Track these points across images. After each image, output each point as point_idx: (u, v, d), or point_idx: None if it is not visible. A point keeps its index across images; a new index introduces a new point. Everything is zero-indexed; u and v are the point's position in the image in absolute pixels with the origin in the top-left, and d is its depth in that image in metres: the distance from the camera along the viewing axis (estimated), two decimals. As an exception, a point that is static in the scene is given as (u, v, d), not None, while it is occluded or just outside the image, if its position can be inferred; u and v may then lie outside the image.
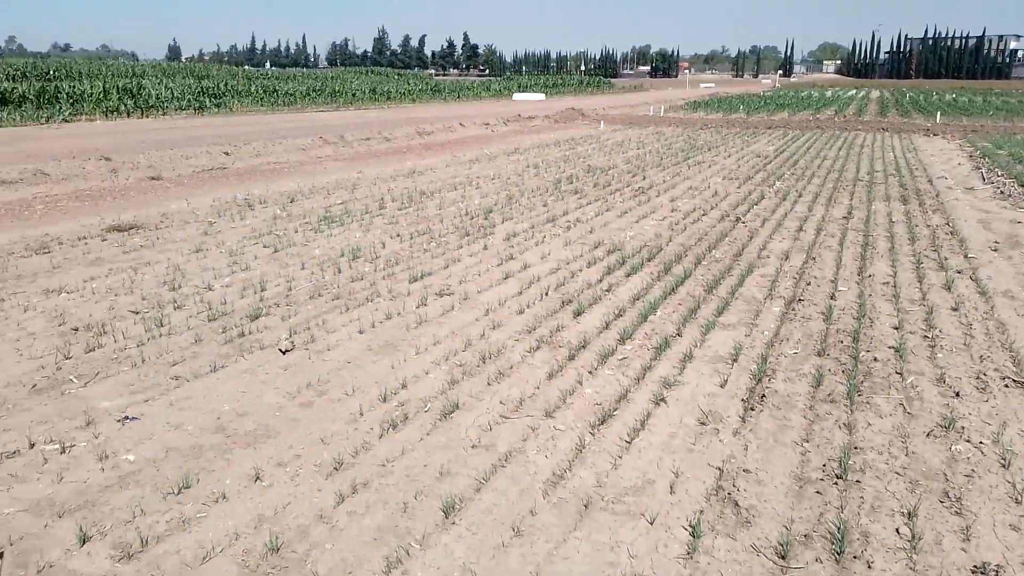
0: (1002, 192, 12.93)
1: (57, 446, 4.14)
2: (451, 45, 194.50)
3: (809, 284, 7.35)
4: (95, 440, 4.24)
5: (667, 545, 3.32)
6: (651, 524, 3.47)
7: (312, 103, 40.20)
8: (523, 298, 6.91)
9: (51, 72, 42.74)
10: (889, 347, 5.66)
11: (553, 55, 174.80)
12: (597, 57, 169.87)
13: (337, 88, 46.22)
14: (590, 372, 5.20)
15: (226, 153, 16.72)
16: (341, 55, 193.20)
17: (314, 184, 13.75)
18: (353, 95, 44.64)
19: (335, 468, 3.96)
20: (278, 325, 6.19)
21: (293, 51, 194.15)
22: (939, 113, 31.87)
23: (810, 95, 55.84)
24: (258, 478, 3.85)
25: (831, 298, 6.92)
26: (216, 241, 9.09)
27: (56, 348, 5.62)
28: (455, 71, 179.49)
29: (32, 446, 4.14)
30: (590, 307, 6.60)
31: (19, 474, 3.86)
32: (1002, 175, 14.78)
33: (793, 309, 6.58)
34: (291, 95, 40.54)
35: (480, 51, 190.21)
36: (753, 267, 7.90)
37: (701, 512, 3.55)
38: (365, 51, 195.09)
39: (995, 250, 8.74)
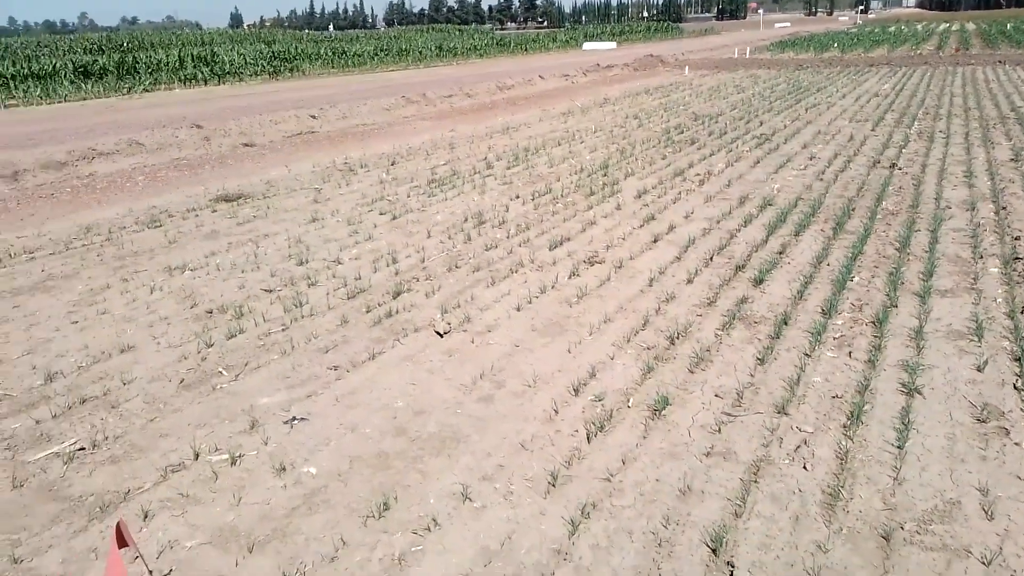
0: None
1: (225, 456, 3.60)
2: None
3: (1018, 239, 6.31)
4: (265, 447, 3.68)
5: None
6: (987, 567, 2.70)
7: (381, 63, 39.53)
8: (685, 264, 6.11)
9: (124, 44, 43.16)
10: None
11: (614, 2, 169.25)
12: (660, 2, 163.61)
13: (403, 47, 45.36)
14: (807, 355, 4.40)
15: (313, 117, 16.21)
16: (398, 15, 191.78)
17: (410, 145, 13.10)
18: (420, 53, 43.73)
19: (551, 483, 3.30)
20: (424, 303, 5.57)
21: (351, 13, 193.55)
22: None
23: (900, 30, 52.20)
24: (467, 497, 3.22)
25: (1053, 255, 5.89)
26: (329, 209, 8.53)
27: (194, 334, 5.13)
28: (513, 24, 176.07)
29: (197, 456, 3.61)
30: (769, 273, 5.75)
31: (191, 493, 3.33)
32: None
33: (1015, 269, 5.59)
34: (360, 56, 39.93)
35: (538, 3, 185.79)
36: (940, 220, 6.88)
37: (1052, 549, 2.75)
38: (422, 9, 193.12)
39: None
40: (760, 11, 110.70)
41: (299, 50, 39.00)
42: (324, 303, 5.63)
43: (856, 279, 5.58)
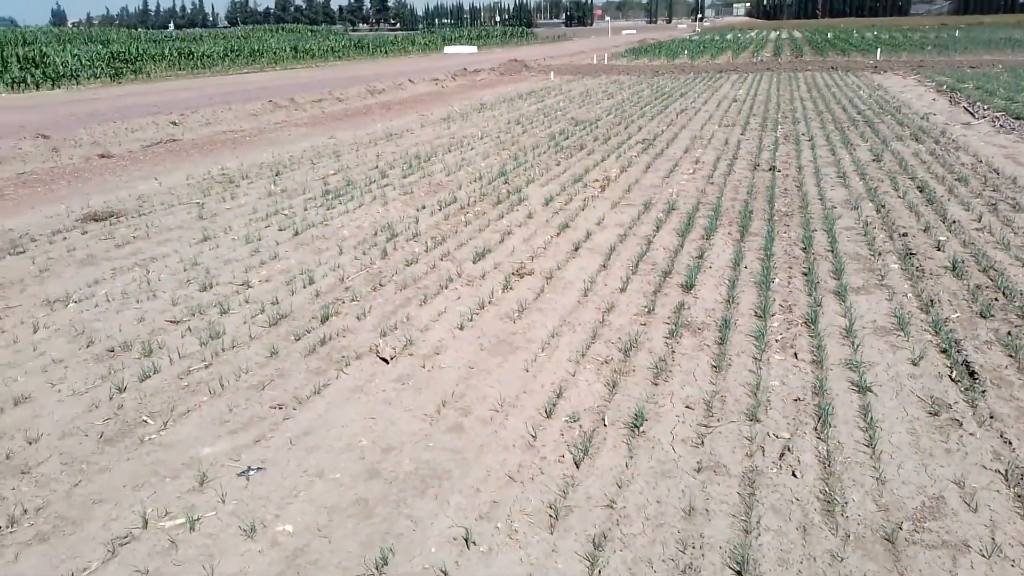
0: (1002, 126, 12.82)
1: (181, 520, 3.18)
2: (359, 0, 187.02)
3: (905, 235, 6.84)
4: (224, 506, 3.29)
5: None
6: (987, 559, 2.84)
7: (233, 65, 37.57)
8: (614, 272, 6.14)
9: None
10: (1054, 304, 5.18)
11: (466, 6, 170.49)
12: (511, 7, 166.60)
13: (256, 48, 43.36)
14: (757, 359, 4.52)
15: (174, 123, 15.07)
16: (242, 13, 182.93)
17: (290, 153, 12.45)
18: (275, 54, 41.98)
19: (552, 516, 3.16)
20: (357, 326, 5.24)
21: (190, 11, 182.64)
22: (879, 50, 32.20)
23: (737, 37, 56.03)
24: (470, 541, 3.01)
25: (938, 249, 6.42)
26: (220, 226, 7.90)
27: (100, 377, 4.54)
28: (365, 26, 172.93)
29: (146, 524, 3.17)
30: (696, 278, 5.88)
31: (151, 569, 2.90)
32: (988, 109, 14.72)
33: (912, 264, 6.04)
34: (209, 57, 37.74)
35: (390, 4, 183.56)
36: (832, 220, 7.34)
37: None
38: (268, 8, 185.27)
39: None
40: (607, 19, 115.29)
41: (140, 50, 36.27)
42: (244, 333, 5.17)
43: (776, 280, 5.82)
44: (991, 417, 3.80)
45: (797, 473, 3.40)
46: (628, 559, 2.90)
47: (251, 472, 3.55)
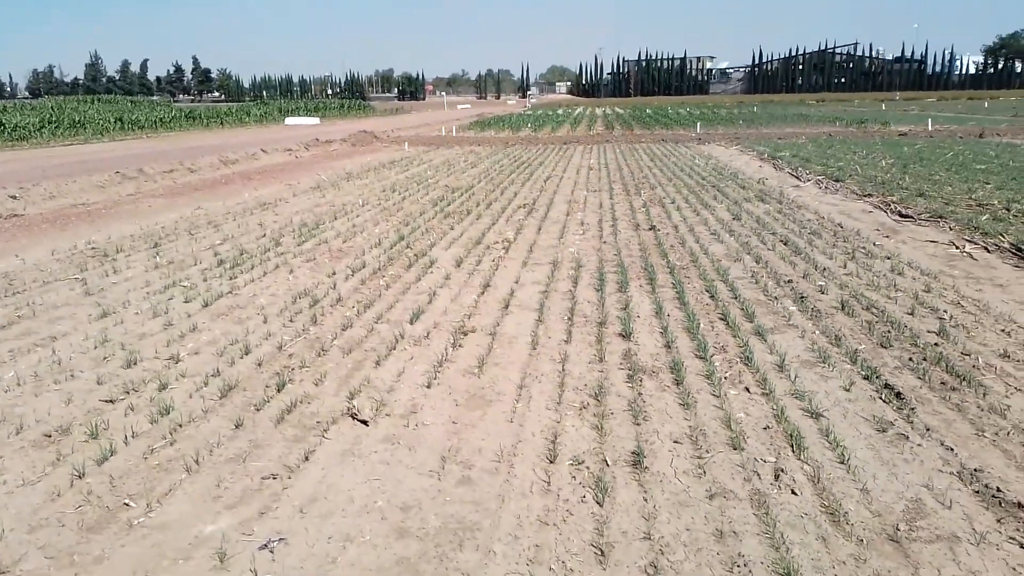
0: (826, 188, 14.70)
1: (220, 601, 2.98)
2: (179, 69, 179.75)
3: (790, 282, 7.68)
4: (261, 581, 3.12)
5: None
6: (977, 547, 3.30)
7: (53, 136, 34.80)
8: (552, 326, 6.42)
9: None
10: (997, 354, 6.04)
11: (295, 79, 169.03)
12: (343, 81, 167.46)
13: (77, 119, 40.51)
14: (716, 395, 4.92)
15: (13, 197, 13.78)
16: (46, 83, 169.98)
17: (160, 224, 11.79)
18: (99, 125, 39.43)
19: (599, 553, 3.29)
20: (317, 392, 5.12)
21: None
22: (698, 124, 35.72)
23: (568, 112, 59.86)
24: (535, 584, 3.06)
25: (822, 292, 7.28)
26: (115, 301, 7.36)
27: (49, 464, 4.12)
28: (186, 97, 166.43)
29: (180, 609, 2.94)
30: (630, 326, 6.28)
31: (210, 652, 2.70)
32: (810, 173, 16.80)
33: (808, 306, 6.81)
34: (24, 128, 34.75)
35: (213, 75, 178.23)
36: (723, 271, 8.10)
37: None
38: (76, 78, 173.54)
39: (888, 236, 9.84)
40: (443, 93, 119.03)
41: (-60, 121, 32.75)
42: (196, 407, 4.88)
43: (701, 325, 6.34)
44: (927, 429, 4.40)
45: (796, 491, 3.76)
46: (686, 581, 3.08)
47: (273, 544, 3.37)
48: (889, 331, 6.08)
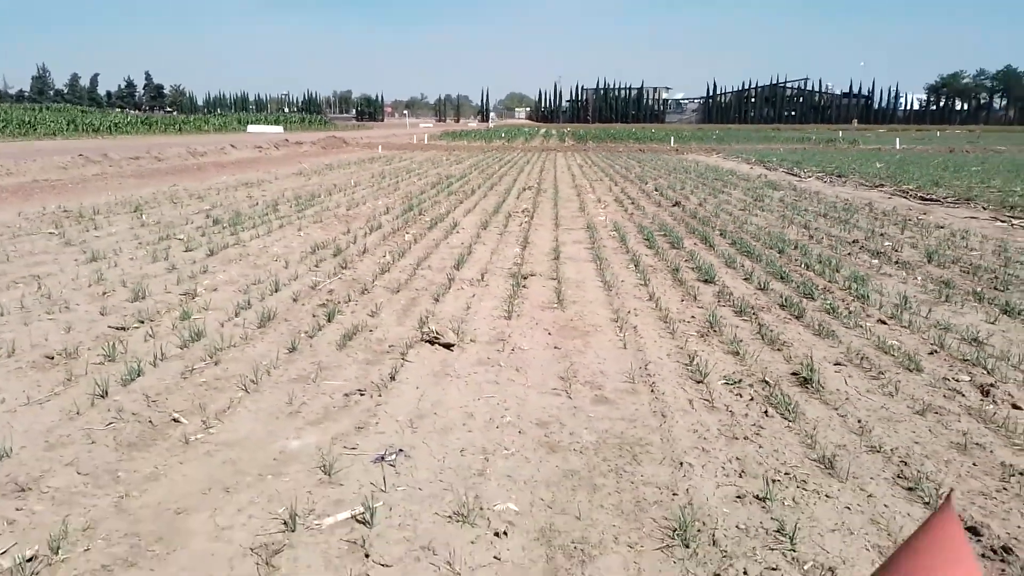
0: (830, 181, 14.38)
1: (346, 515, 2.12)
2: (131, 84, 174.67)
3: (856, 242, 7.11)
4: (394, 495, 2.27)
5: None
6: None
7: (3, 133, 32.95)
8: (619, 274, 5.73)
9: None
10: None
11: (251, 97, 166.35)
12: (300, 100, 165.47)
13: (27, 119, 38.61)
14: (850, 327, 4.24)
15: (-35, 169, 12.51)
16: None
17: (136, 196, 10.71)
18: (50, 126, 37.61)
19: (829, 468, 2.52)
20: (378, 323, 4.28)
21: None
22: (672, 138, 35.72)
23: (535, 131, 59.76)
24: (759, 497, 2.28)
25: (895, 250, 6.72)
26: (104, 248, 6.37)
27: (60, 384, 3.19)
28: (137, 112, 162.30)
29: (294, 527, 2.07)
30: (713, 274, 5.58)
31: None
32: (808, 173, 16.52)
33: (892, 259, 6.22)
34: (-31, 124, 32.85)
35: (166, 91, 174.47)
36: (782, 235, 7.50)
37: None
38: (21, 90, 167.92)
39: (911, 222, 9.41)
40: (406, 112, 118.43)
41: None
42: (234, 333, 3.99)
43: (786, 272, 5.68)
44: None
45: (1019, 405, 3.06)
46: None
47: (391, 457, 2.53)
48: (995, 278, 5.50)
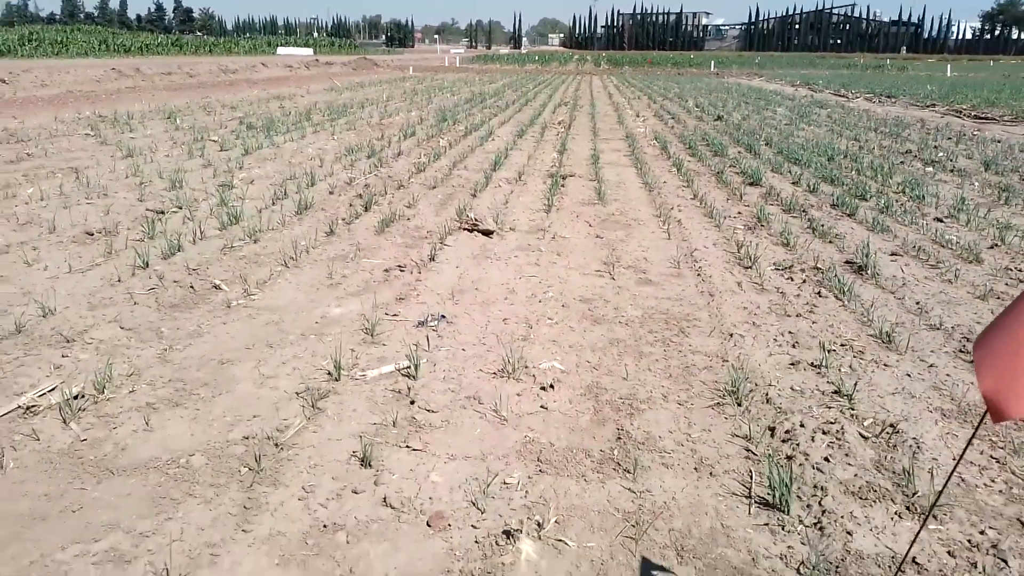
0: (879, 101, 13.81)
1: (390, 368, 2.09)
2: (160, 8, 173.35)
3: (908, 152, 6.82)
4: (437, 353, 2.23)
5: None
6: None
7: (35, 54, 32.90)
8: (661, 176, 5.58)
9: None
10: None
11: (280, 21, 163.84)
12: (329, 25, 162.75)
13: (60, 39, 38.47)
14: (905, 224, 4.07)
15: (2, 81, 12.52)
16: (19, 16, 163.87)
17: (169, 106, 10.64)
18: (82, 46, 37.48)
19: (888, 342, 2.43)
20: (415, 213, 4.21)
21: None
22: (712, 62, 34.55)
23: (569, 56, 58.22)
24: (812, 363, 2.20)
25: (950, 159, 6.43)
26: (139, 147, 6.34)
27: (101, 256, 3.18)
28: (166, 36, 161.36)
29: (339, 375, 2.04)
30: (760, 177, 5.39)
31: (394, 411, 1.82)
32: (856, 94, 15.89)
33: (945, 167, 5.96)
34: (5, 43, 32.83)
35: (195, 15, 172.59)
36: (830, 146, 7.21)
37: None
38: (52, 13, 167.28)
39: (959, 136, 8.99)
40: (425, 41, 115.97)
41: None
42: (272, 218, 3.95)
43: (836, 175, 5.47)
44: None
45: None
46: None
47: (433, 322, 2.49)
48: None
